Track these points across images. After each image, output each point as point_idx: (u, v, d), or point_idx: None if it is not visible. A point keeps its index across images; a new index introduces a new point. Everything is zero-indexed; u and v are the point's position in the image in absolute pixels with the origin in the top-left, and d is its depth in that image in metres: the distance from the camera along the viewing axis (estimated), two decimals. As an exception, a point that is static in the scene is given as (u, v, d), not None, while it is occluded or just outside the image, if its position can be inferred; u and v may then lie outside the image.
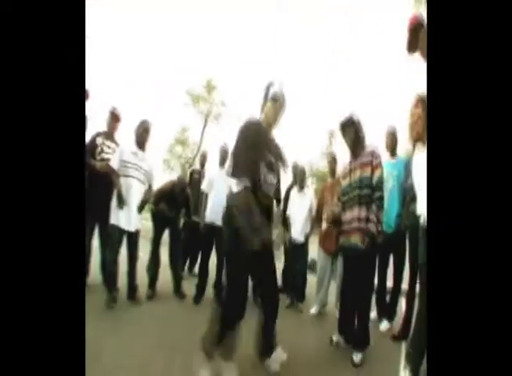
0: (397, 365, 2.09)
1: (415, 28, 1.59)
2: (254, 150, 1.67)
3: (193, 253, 4.23)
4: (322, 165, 22.81)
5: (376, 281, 3.53)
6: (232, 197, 1.72)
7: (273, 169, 1.77)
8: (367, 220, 2.17)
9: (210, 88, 23.76)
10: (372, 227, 2.13)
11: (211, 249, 3.36)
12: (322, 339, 2.55)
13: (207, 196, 3.34)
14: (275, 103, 1.80)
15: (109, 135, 3.06)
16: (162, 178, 3.57)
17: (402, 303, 2.91)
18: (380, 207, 2.18)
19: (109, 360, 1.84)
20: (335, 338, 2.47)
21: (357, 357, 2.16)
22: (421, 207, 1.79)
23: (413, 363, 1.74)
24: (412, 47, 1.64)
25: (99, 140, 2.97)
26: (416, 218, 1.87)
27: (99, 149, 2.94)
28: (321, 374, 2.04)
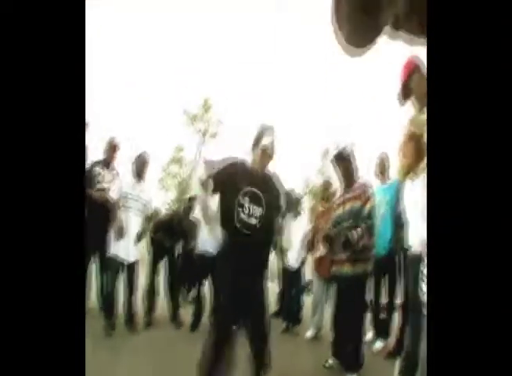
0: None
1: (410, 74, 1.58)
2: (229, 195, 1.79)
3: (190, 281, 4.26)
4: (319, 182, 22.85)
5: (370, 302, 3.55)
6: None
7: (257, 201, 1.81)
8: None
9: (206, 107, 24.11)
10: (351, 235, 2.16)
11: (206, 276, 3.41)
12: (318, 362, 2.59)
13: (199, 223, 3.40)
14: (264, 153, 1.85)
15: (107, 164, 3.08)
16: (158, 197, 3.57)
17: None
18: (370, 229, 2.23)
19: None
20: (330, 360, 2.51)
21: None
22: (410, 237, 1.84)
23: None
24: (405, 96, 1.63)
25: (97, 170, 2.99)
26: (406, 244, 1.91)
27: (97, 178, 2.96)
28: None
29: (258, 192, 1.82)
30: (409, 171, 1.84)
